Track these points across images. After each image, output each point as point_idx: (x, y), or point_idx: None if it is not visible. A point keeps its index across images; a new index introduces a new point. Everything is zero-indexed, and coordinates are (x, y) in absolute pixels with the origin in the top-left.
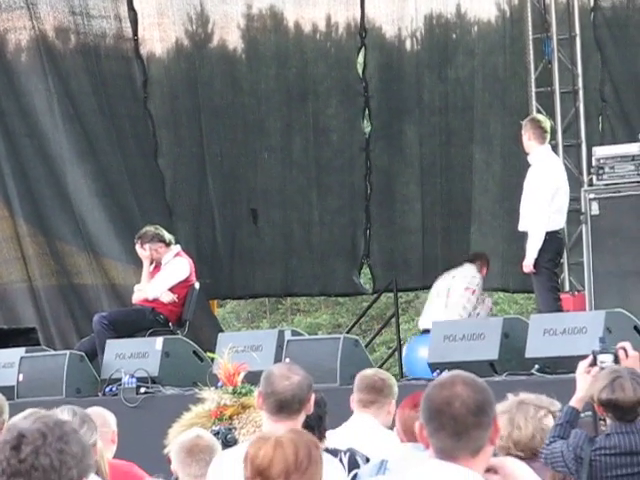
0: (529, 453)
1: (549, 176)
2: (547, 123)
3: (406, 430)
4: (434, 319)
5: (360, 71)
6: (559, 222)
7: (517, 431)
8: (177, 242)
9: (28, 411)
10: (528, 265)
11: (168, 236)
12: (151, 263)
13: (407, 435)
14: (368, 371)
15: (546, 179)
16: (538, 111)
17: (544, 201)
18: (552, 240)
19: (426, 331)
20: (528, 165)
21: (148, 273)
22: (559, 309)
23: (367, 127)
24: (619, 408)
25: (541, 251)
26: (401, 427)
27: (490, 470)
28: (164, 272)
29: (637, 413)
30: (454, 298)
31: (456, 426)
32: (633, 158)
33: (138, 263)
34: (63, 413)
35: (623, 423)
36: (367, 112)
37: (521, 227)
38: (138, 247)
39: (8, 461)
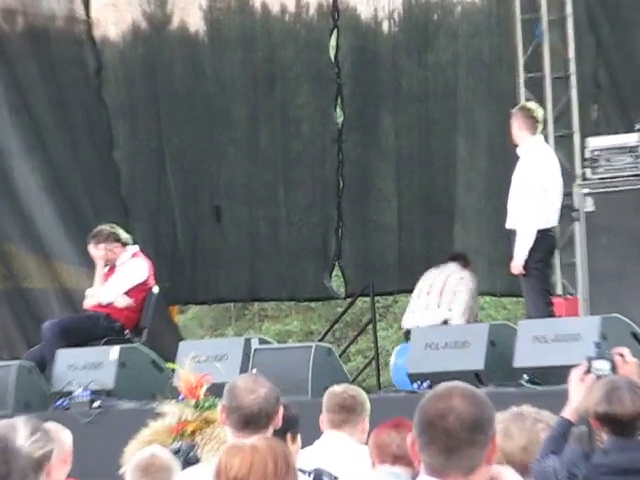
0: (520, 466)
1: (541, 169)
2: (539, 112)
3: (380, 452)
4: (425, 318)
5: (332, 55)
6: (551, 219)
7: (509, 441)
8: (134, 242)
9: None
10: (517, 266)
11: (125, 235)
12: (105, 265)
13: (380, 457)
14: (337, 388)
15: (537, 172)
16: (527, 98)
17: (535, 196)
18: (543, 239)
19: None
20: (517, 157)
21: (102, 276)
22: (550, 314)
23: (340, 116)
24: (617, 422)
25: (531, 251)
26: (376, 448)
27: None
28: (119, 274)
29: (636, 427)
30: (447, 296)
31: (448, 441)
32: (631, 149)
33: (91, 265)
34: (25, 428)
35: (621, 438)
36: (340, 100)
37: (509, 225)
38: (92, 247)
39: None
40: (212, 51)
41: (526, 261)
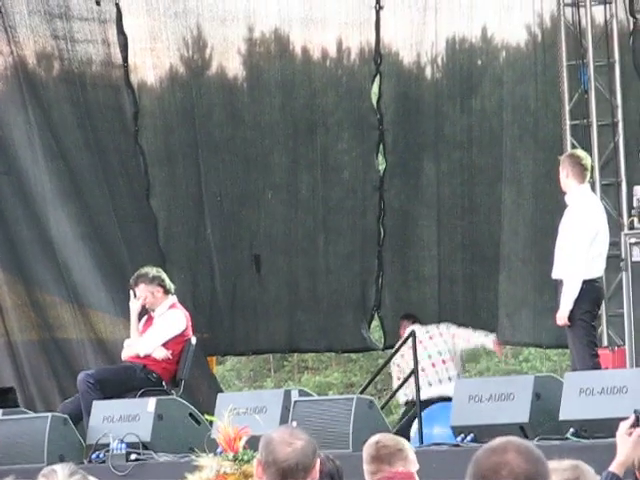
0: None
1: (588, 218)
2: (588, 160)
3: None
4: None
5: (374, 101)
6: (598, 269)
7: None
8: (174, 292)
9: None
10: (562, 317)
11: (169, 282)
12: (141, 313)
13: None
14: (373, 438)
15: (585, 221)
16: (573, 146)
17: (582, 246)
18: (590, 289)
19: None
20: (563, 206)
21: (137, 327)
22: (596, 366)
23: (382, 164)
24: None
25: (577, 301)
26: None
27: None
28: (157, 325)
29: None
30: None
31: None
32: None
33: (127, 315)
34: (63, 470)
35: None
36: (382, 147)
37: (555, 275)
38: (133, 289)
39: None
40: (251, 97)
41: (572, 312)
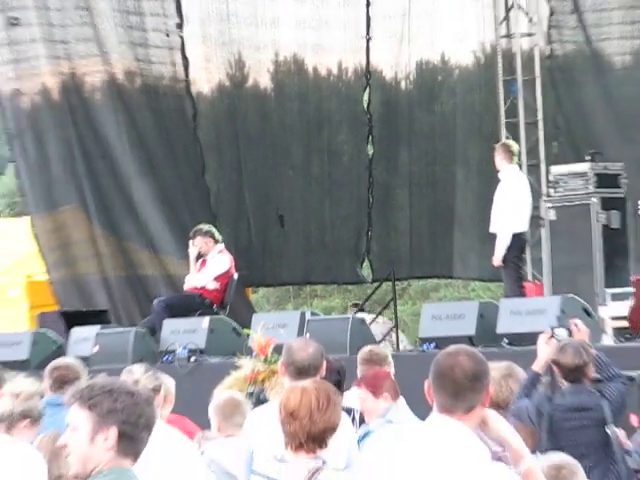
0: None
1: (516, 188)
2: (515, 147)
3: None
4: None
5: (365, 106)
6: (523, 225)
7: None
8: (222, 241)
9: (102, 376)
10: (498, 259)
11: (217, 235)
12: (198, 257)
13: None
14: (365, 348)
15: (513, 191)
16: (507, 138)
17: (511, 209)
18: (517, 240)
19: None
20: (498, 181)
21: (195, 267)
22: (523, 294)
23: (370, 150)
24: (564, 369)
25: (509, 249)
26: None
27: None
28: (210, 265)
29: (580, 375)
30: None
31: (455, 387)
32: (582, 175)
33: (189, 258)
34: (139, 368)
35: (575, 384)
36: (370, 138)
37: (492, 229)
38: (192, 240)
39: None
40: (277, 103)
41: (505, 256)
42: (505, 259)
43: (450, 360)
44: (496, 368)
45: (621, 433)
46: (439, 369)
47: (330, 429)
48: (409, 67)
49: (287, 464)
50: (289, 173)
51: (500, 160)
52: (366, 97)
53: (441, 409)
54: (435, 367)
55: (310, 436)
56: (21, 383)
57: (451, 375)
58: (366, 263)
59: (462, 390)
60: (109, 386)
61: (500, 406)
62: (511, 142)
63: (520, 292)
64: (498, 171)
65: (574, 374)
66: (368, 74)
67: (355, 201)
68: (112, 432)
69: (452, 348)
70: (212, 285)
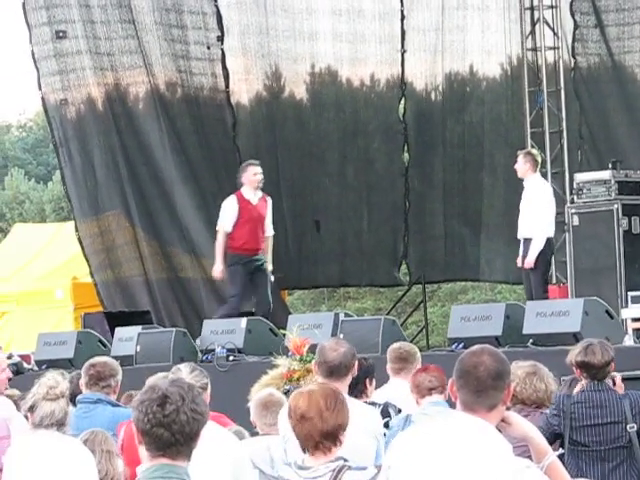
0: (550, 402)
1: (545, 195)
2: (539, 156)
3: (418, 390)
4: None
5: (401, 115)
6: (551, 231)
7: (550, 386)
8: None
9: (163, 374)
10: (529, 263)
11: None
12: None
13: (420, 393)
14: (395, 345)
15: (543, 198)
16: (532, 146)
17: (542, 215)
18: (548, 245)
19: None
20: (523, 188)
21: None
22: (546, 297)
23: (406, 158)
24: (591, 368)
25: (540, 252)
26: (412, 388)
27: (502, 420)
28: None
29: (605, 373)
30: None
31: (478, 385)
32: (604, 182)
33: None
34: (186, 368)
35: (595, 382)
36: (406, 147)
37: (520, 235)
38: None
39: (154, 414)
40: (312, 112)
41: (535, 259)
42: (536, 262)
43: (474, 359)
44: (521, 367)
45: None
46: (463, 367)
47: (341, 426)
48: (439, 78)
49: (308, 470)
50: (325, 181)
51: (526, 170)
52: (401, 107)
53: (464, 406)
54: (459, 366)
55: (323, 434)
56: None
57: (475, 373)
58: (403, 266)
59: (485, 388)
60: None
61: (525, 403)
62: (535, 151)
63: (544, 295)
64: (521, 179)
65: (602, 372)
66: (403, 85)
67: (390, 207)
68: None
69: (476, 348)
70: None
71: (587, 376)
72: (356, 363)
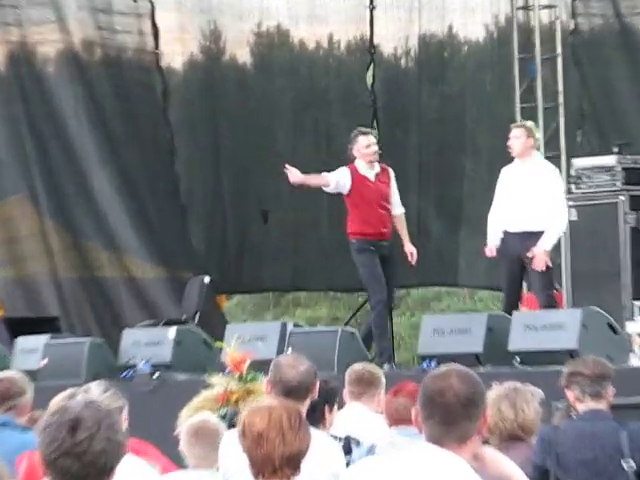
0: (530, 434)
1: (558, 180)
2: (538, 131)
3: (388, 414)
4: None
5: (369, 85)
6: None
7: (522, 414)
8: (190, 240)
9: (70, 391)
10: (543, 263)
11: None
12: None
13: (389, 419)
14: (357, 365)
15: (557, 183)
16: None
17: (561, 204)
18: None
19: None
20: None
21: None
22: (554, 305)
23: (375, 135)
24: (580, 380)
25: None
26: (385, 412)
27: (474, 457)
28: None
29: (598, 390)
30: None
31: (446, 415)
32: (608, 169)
33: (156, 259)
34: (98, 387)
35: (590, 411)
36: (376, 122)
37: (528, 227)
38: None
39: (63, 442)
40: (259, 78)
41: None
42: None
43: (440, 383)
44: (496, 389)
45: None
46: (428, 394)
47: (303, 452)
48: (412, 41)
49: None
50: (275, 161)
51: (527, 147)
52: (370, 75)
53: (431, 439)
54: (423, 391)
55: (285, 458)
56: None
57: (442, 401)
58: None
59: (455, 418)
60: None
61: (491, 432)
62: (532, 123)
63: (550, 301)
64: (514, 158)
65: (594, 387)
66: (372, 48)
67: None
68: None
69: (442, 369)
70: None
71: (578, 394)
72: (317, 384)
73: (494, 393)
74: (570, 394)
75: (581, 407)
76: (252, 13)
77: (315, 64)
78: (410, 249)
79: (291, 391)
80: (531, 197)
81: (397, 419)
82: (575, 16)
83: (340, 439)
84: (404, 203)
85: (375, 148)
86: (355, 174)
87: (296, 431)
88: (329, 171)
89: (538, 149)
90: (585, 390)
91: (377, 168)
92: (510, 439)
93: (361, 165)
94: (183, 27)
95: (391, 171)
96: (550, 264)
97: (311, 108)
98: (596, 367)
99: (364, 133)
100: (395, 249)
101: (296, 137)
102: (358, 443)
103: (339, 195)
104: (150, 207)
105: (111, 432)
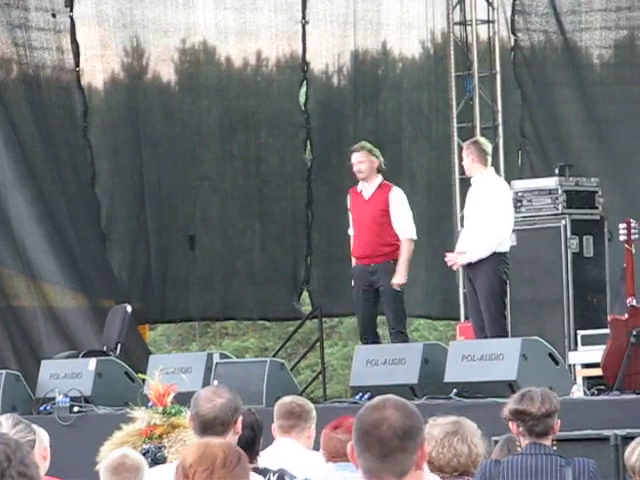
0: (475, 469)
1: (503, 198)
2: (489, 146)
3: (327, 450)
4: None
5: (302, 104)
6: (507, 245)
7: (475, 449)
8: (111, 267)
9: None
10: (461, 259)
11: None
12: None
13: (327, 455)
14: (286, 399)
15: (500, 201)
16: (459, 146)
17: (499, 223)
18: (504, 263)
19: None
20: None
21: None
22: (504, 333)
23: (309, 158)
24: (527, 419)
25: (500, 274)
26: (323, 447)
27: None
28: None
29: (546, 428)
30: None
31: (382, 448)
32: (550, 192)
33: (76, 287)
34: (7, 421)
35: (532, 444)
36: (309, 144)
37: (460, 247)
38: None
39: None
40: (184, 98)
41: (494, 284)
42: (493, 288)
43: (375, 415)
44: (439, 424)
45: None
46: (363, 427)
47: None
48: (345, 58)
49: None
50: (202, 185)
51: (472, 162)
52: (302, 93)
53: (368, 473)
54: (358, 425)
55: None
56: None
57: (377, 434)
58: (305, 294)
59: (391, 451)
60: None
61: (443, 471)
62: (483, 139)
63: (500, 330)
64: (464, 179)
65: (542, 425)
66: (305, 65)
67: (288, 219)
68: None
69: (377, 400)
70: None
71: (523, 431)
72: (240, 419)
73: (440, 429)
74: (514, 427)
75: (525, 441)
76: (177, 28)
77: (243, 83)
78: (397, 281)
79: (206, 426)
80: (471, 216)
81: (335, 455)
82: (515, 32)
83: (274, 473)
84: (339, 228)
85: (360, 166)
86: (353, 193)
87: (230, 469)
88: (261, 193)
89: (489, 160)
90: (532, 429)
91: (375, 186)
92: (461, 475)
93: (360, 183)
94: (104, 43)
95: (395, 190)
96: (497, 290)
97: (239, 129)
98: (543, 405)
99: (353, 150)
100: (387, 275)
101: (224, 161)
102: (292, 478)
103: (271, 220)
104: (70, 233)
105: (22, 467)
